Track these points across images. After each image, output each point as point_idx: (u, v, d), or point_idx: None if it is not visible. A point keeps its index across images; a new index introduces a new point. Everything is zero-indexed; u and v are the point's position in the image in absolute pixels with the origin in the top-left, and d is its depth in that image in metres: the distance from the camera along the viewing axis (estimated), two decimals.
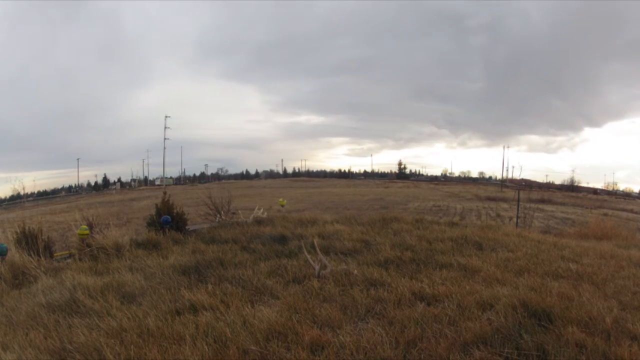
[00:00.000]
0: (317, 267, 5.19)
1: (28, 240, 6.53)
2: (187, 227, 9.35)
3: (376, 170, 72.18)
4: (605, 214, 20.12)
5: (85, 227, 7.47)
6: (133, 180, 62.29)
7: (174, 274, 5.32)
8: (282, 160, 73.28)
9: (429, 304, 4.10)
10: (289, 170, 72.11)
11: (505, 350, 3.10)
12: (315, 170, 73.30)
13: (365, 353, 3.10)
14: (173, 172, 64.97)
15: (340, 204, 24.07)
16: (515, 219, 14.09)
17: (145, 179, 61.36)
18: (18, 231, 6.71)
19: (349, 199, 28.72)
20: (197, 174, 67.82)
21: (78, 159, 57.37)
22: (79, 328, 3.59)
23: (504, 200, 27.92)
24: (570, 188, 52.80)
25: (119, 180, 62.87)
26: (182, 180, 62.31)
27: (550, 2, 60.63)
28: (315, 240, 6.26)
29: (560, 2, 59.88)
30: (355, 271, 5.21)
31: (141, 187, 55.95)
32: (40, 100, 67.88)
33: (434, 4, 69.43)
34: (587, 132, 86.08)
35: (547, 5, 62.42)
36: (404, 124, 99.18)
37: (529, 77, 72.51)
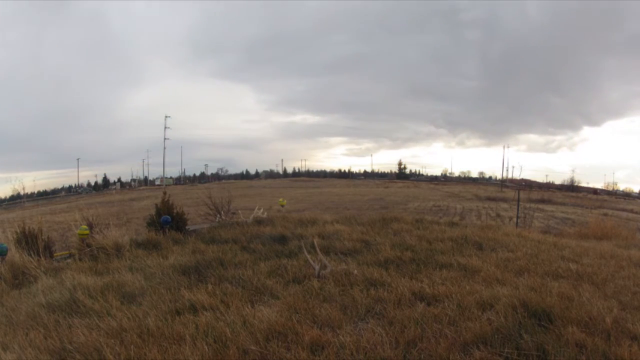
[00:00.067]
0: (317, 267, 5.19)
1: (28, 240, 6.53)
2: (187, 227, 9.35)
3: (376, 170, 72.40)
4: (605, 214, 20.12)
5: (85, 227, 7.47)
6: (133, 180, 62.48)
7: (174, 274, 5.32)
8: (282, 160, 73.63)
9: (429, 304, 4.10)
10: (289, 170, 72.32)
11: (505, 350, 3.10)
12: (315, 170, 73.54)
13: (365, 353, 3.10)
14: (173, 172, 65.19)
15: (340, 204, 24.06)
16: (515, 219, 14.09)
17: (145, 179, 61.52)
18: (18, 231, 6.70)
19: (349, 199, 28.71)
20: (197, 174, 68.06)
21: (78, 159, 57.60)
22: (79, 328, 3.58)
23: (504, 200, 27.94)
24: (570, 188, 52.87)
25: (119, 180, 63.06)
26: (182, 180, 62.40)
27: None
28: (315, 240, 6.25)
29: None
30: (355, 271, 5.21)
31: (141, 187, 55.99)
32: (32, 101, 67.87)
33: None
34: (587, 131, 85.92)
35: (544, 1, 62.08)
36: (401, 123, 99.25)
37: (526, 74, 72.14)
